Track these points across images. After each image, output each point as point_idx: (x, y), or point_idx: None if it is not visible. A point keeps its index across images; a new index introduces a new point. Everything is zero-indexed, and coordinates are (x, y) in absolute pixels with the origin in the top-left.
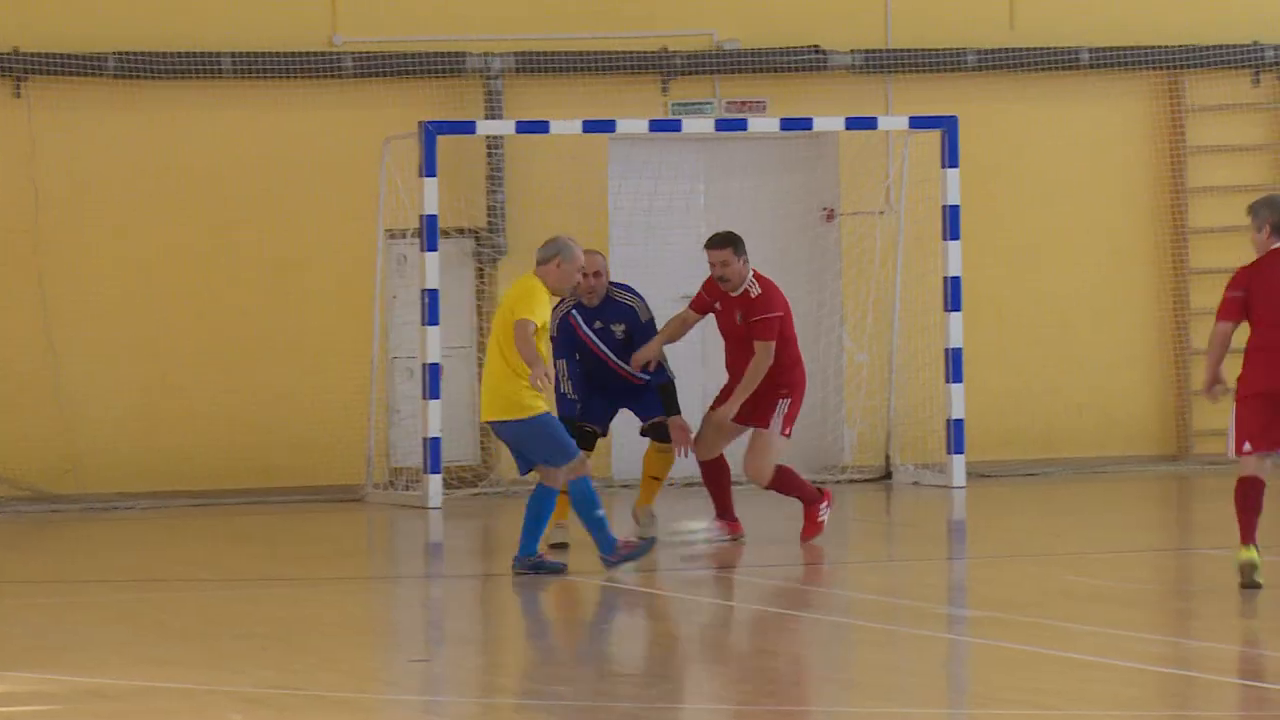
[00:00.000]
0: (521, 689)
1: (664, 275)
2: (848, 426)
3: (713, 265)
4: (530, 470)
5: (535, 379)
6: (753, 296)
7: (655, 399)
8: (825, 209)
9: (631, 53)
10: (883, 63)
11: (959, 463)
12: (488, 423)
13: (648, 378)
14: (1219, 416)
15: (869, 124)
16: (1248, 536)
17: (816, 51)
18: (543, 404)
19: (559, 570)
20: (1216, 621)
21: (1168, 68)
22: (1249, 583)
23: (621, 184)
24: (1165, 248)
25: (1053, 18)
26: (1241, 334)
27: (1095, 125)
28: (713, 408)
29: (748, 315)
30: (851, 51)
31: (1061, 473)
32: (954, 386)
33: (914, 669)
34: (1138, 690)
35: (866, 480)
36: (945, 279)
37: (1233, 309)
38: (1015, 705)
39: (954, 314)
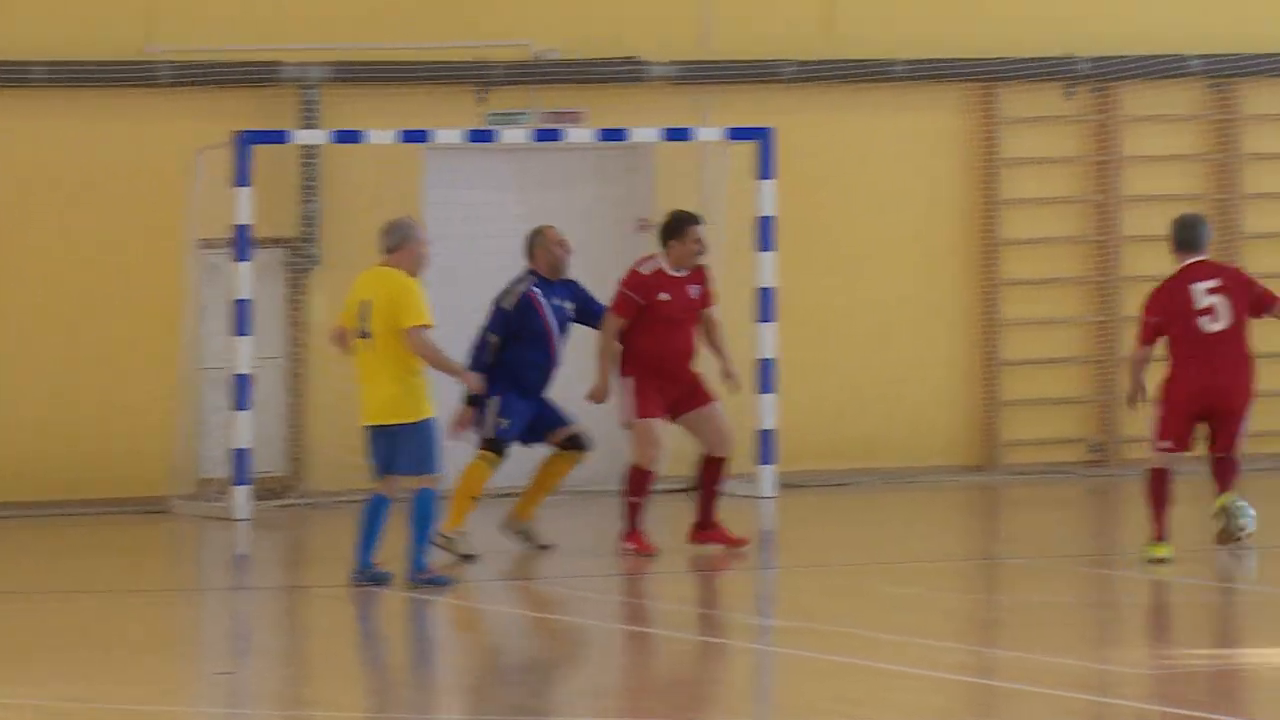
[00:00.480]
0: (327, 700)
1: (479, 285)
2: None
3: (698, 243)
4: (383, 477)
5: (473, 389)
6: (706, 267)
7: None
8: (640, 220)
9: (448, 63)
10: (699, 74)
11: (769, 473)
12: (373, 427)
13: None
14: (1027, 427)
15: (685, 135)
16: (1160, 532)
17: (633, 62)
18: (432, 408)
19: (386, 581)
20: (1022, 631)
21: (982, 79)
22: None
23: (437, 194)
24: (977, 259)
25: (869, 29)
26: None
27: (911, 136)
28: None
29: (706, 285)
30: (669, 63)
31: (873, 483)
32: (765, 397)
33: (721, 679)
34: (944, 699)
35: (677, 490)
36: (758, 290)
37: (1148, 334)
38: (823, 714)
39: (766, 325)
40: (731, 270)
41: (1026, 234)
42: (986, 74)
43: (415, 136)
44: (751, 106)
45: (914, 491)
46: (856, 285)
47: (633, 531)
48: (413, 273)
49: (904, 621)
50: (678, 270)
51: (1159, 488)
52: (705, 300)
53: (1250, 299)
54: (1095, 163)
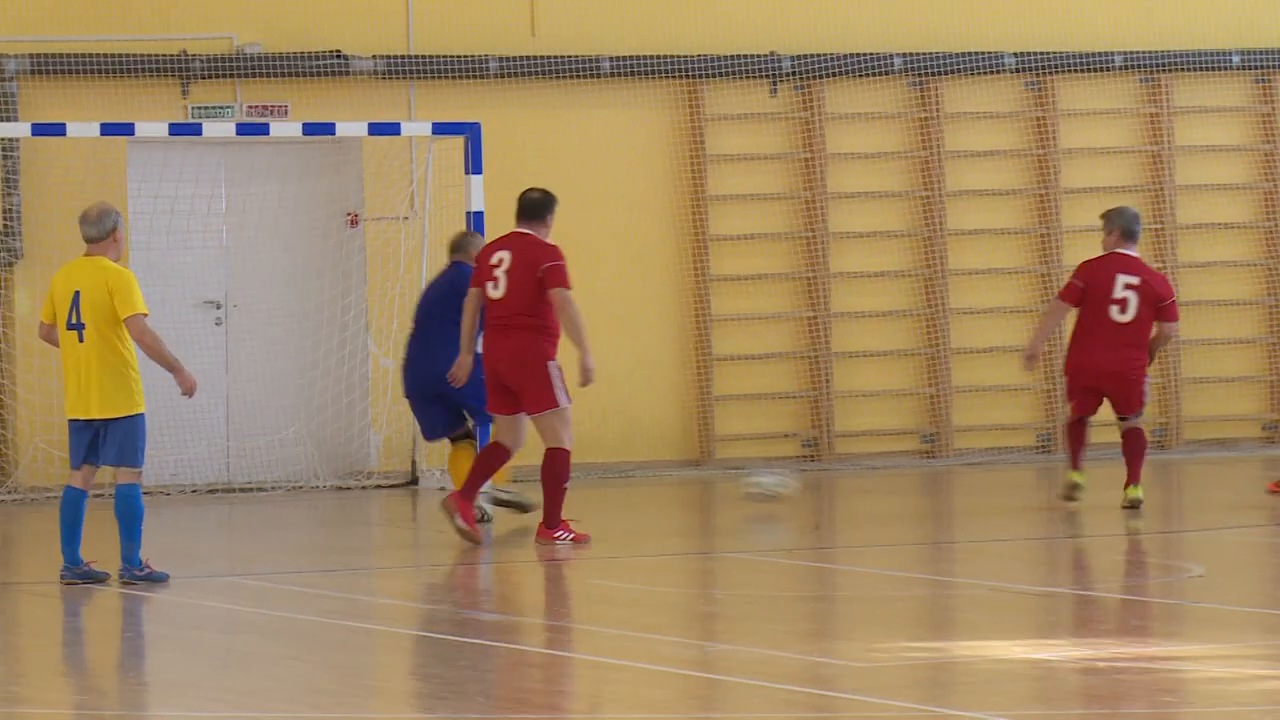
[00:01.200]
0: (40, 698)
1: (185, 279)
2: (374, 431)
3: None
4: (81, 468)
5: (186, 389)
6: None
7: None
8: (349, 214)
9: (151, 55)
10: (405, 69)
11: None
12: (80, 420)
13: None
14: (739, 422)
15: (392, 130)
16: (1075, 463)
17: (338, 56)
18: (143, 403)
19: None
20: (740, 624)
21: (687, 77)
22: (1068, 496)
23: (141, 187)
24: (687, 254)
25: (574, 27)
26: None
27: (618, 133)
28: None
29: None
30: (373, 57)
31: (587, 478)
32: None
33: (440, 674)
34: (662, 692)
35: (393, 485)
36: None
37: (1073, 293)
38: (538, 710)
39: None
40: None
41: (734, 230)
42: (691, 72)
43: (118, 130)
44: (458, 102)
45: (629, 487)
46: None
47: (562, 521)
48: (118, 260)
49: (621, 616)
50: None
51: (1072, 431)
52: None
53: (1156, 306)
54: (801, 159)
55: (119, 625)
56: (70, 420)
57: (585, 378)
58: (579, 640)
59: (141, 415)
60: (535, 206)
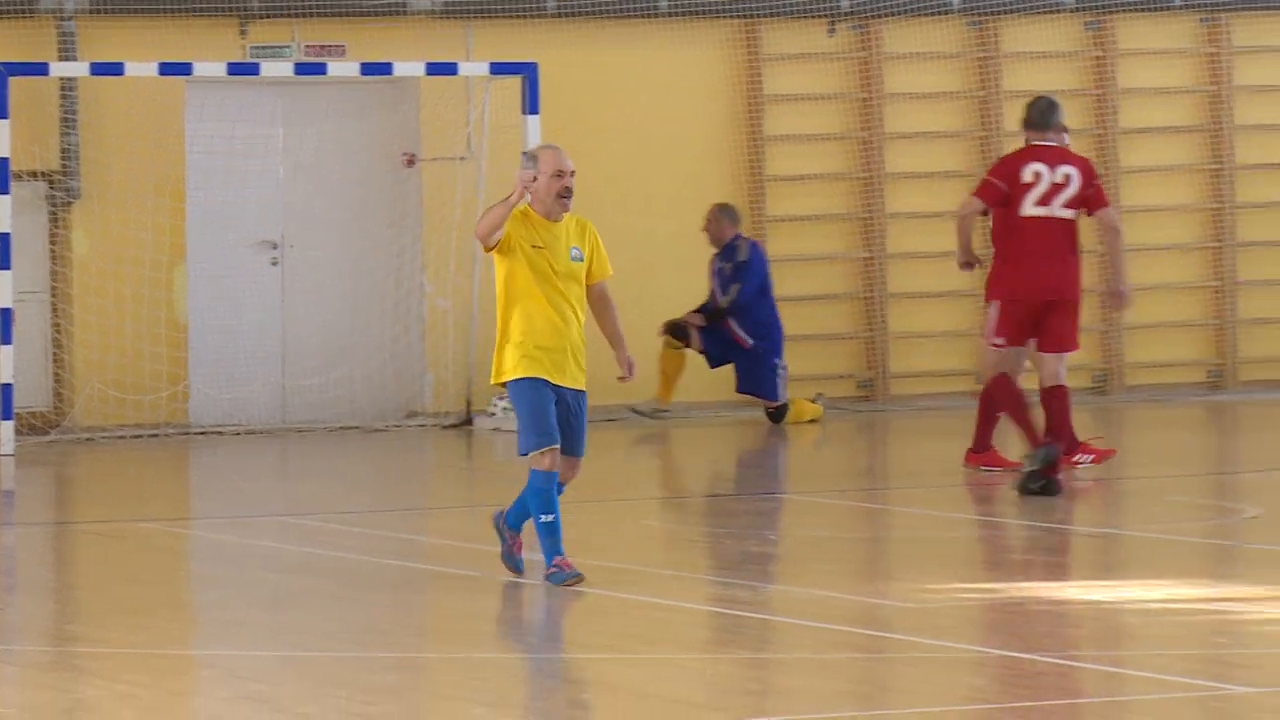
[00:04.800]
0: (95, 637)
1: (242, 220)
2: (429, 372)
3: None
4: None
5: None
6: None
7: None
8: (406, 154)
9: None
10: (463, 8)
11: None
12: None
13: None
14: (797, 363)
15: (449, 70)
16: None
17: None
18: None
19: None
20: (793, 565)
21: (745, 16)
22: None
23: (199, 128)
24: (744, 195)
25: None
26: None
27: (675, 73)
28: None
29: None
30: None
31: (630, 418)
32: None
33: (499, 616)
34: (713, 633)
35: (449, 426)
36: None
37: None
38: (593, 649)
39: None
40: None
41: (791, 171)
42: (750, 10)
43: (176, 69)
44: (516, 41)
45: (694, 426)
46: (623, 221)
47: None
48: None
49: (674, 558)
50: None
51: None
52: None
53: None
54: (858, 100)
55: (173, 565)
56: None
57: None
58: (632, 581)
59: None
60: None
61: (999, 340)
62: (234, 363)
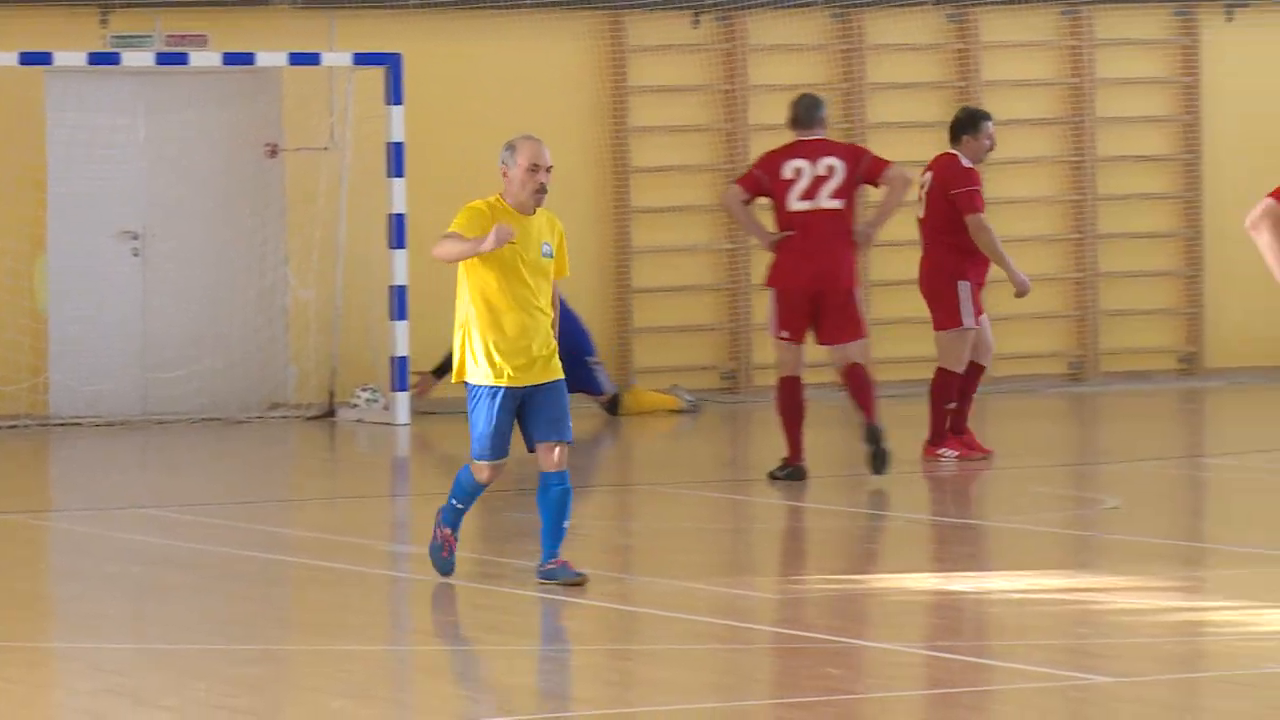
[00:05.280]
0: None
1: (104, 210)
2: (292, 364)
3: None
4: None
5: None
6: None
7: None
8: (269, 145)
9: None
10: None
11: (403, 400)
12: None
13: None
14: (658, 354)
15: (313, 60)
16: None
17: None
18: None
19: None
20: (654, 556)
21: (609, 8)
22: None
23: (60, 118)
24: (608, 187)
25: None
26: None
27: (540, 64)
28: None
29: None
30: None
31: None
32: (399, 324)
33: (361, 608)
34: (578, 624)
35: (311, 417)
36: (390, 216)
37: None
38: (450, 640)
39: (398, 251)
40: (361, 197)
41: (655, 162)
42: (614, 3)
43: (36, 59)
44: (379, 32)
45: None
46: None
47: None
48: None
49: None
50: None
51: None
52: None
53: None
54: (722, 92)
55: (33, 557)
56: None
57: None
58: (492, 572)
59: None
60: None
61: (784, 334)
62: (95, 354)
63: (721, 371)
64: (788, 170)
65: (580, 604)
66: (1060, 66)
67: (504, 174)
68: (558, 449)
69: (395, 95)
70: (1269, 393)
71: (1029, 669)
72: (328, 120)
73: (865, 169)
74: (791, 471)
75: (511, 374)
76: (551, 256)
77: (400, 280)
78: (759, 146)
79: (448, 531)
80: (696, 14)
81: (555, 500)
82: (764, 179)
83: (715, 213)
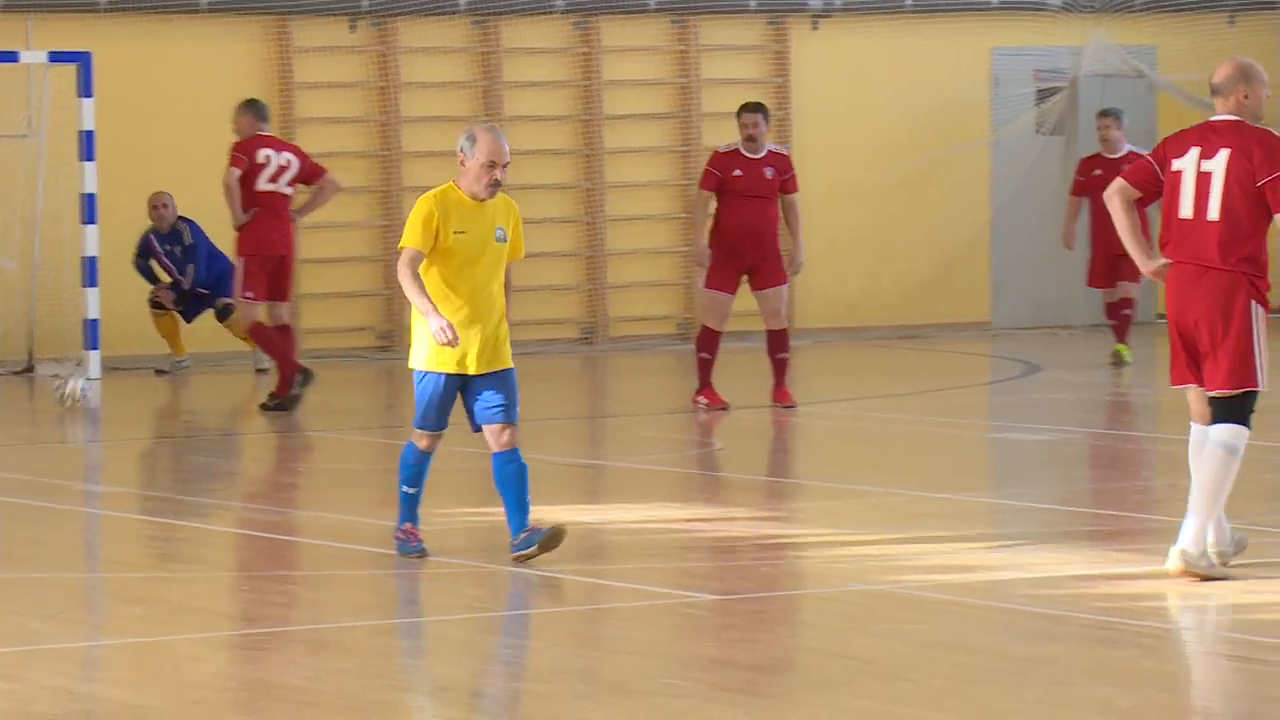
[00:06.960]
0: None
1: None
2: None
3: (746, 126)
4: None
5: None
6: (784, 154)
7: None
8: None
9: None
10: (24, 3)
11: (95, 357)
12: None
13: None
14: (324, 317)
15: (11, 57)
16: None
17: None
18: None
19: None
20: (320, 494)
21: (276, 14)
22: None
23: None
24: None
25: None
26: None
27: (215, 63)
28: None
29: (781, 171)
30: None
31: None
32: (89, 290)
33: (59, 541)
34: (248, 554)
35: (12, 373)
36: (82, 195)
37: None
38: (120, 567)
39: (90, 226)
40: (57, 178)
41: (325, 148)
42: (280, 8)
43: None
44: (72, 33)
45: (214, 375)
46: (178, 195)
47: (705, 387)
48: None
49: (210, 488)
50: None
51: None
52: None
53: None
54: (378, 88)
55: None
56: None
57: None
58: (181, 510)
59: None
60: None
61: (248, 294)
62: None
63: (376, 332)
64: (260, 155)
65: (251, 535)
66: (671, 68)
67: (461, 162)
68: (506, 431)
69: (86, 89)
70: (851, 350)
71: (645, 589)
72: (25, 111)
73: (307, 169)
74: (281, 402)
75: (463, 363)
76: (505, 240)
77: (91, 252)
78: (410, 136)
79: (407, 526)
80: (354, 19)
81: (513, 476)
82: (245, 159)
83: (372, 194)
